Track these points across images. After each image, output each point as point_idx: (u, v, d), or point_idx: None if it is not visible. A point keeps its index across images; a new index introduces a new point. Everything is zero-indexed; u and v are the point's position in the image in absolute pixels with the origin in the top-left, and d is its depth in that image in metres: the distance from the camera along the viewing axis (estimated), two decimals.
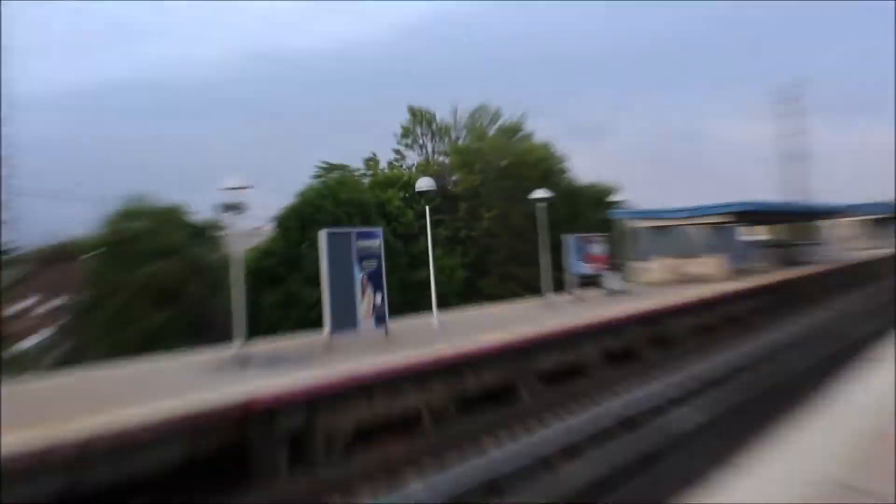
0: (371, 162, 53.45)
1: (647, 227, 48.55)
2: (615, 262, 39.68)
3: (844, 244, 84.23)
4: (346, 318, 22.63)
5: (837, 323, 33.38)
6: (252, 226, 56.77)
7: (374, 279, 23.55)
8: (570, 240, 36.82)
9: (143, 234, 39.74)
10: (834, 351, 26.47)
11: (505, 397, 21.63)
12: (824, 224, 79.29)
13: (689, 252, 47.33)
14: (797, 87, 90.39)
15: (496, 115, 57.46)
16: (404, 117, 56.85)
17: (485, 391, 21.11)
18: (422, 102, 68.16)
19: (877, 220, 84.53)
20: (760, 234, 57.85)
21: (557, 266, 39.63)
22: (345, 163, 50.41)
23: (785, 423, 15.69)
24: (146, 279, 37.56)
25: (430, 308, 27.37)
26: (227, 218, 19.83)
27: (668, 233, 47.73)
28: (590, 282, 37.78)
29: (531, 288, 46.61)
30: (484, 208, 49.74)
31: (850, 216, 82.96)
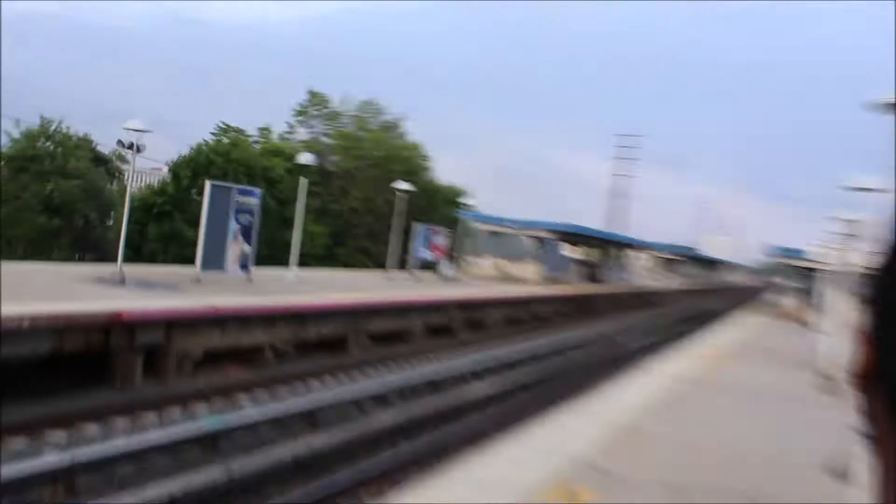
0: (265, 131, 52.43)
1: (485, 230, 49.41)
2: (453, 254, 40.31)
3: (642, 273, 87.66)
4: (216, 259, 22.40)
5: (621, 335, 34.77)
6: (151, 166, 55.15)
7: (246, 231, 23.36)
8: (419, 228, 37.26)
9: (49, 154, 38.35)
10: (613, 356, 27.67)
11: (337, 348, 21.89)
12: (629, 254, 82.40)
13: (515, 256, 48.41)
14: (635, 137, 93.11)
15: (380, 111, 57.29)
16: (303, 96, 56.02)
17: (321, 340, 21.32)
18: (318, 86, 67.26)
19: (671, 259, 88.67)
20: (577, 252, 59.54)
21: (405, 248, 40.00)
22: (242, 127, 49.27)
23: (559, 407, 16.44)
24: (45, 194, 36.32)
25: (290, 264, 27.30)
26: (126, 154, 19.42)
27: (501, 237, 48.67)
28: (428, 266, 38.30)
29: (379, 263, 46.83)
30: (354, 189, 49.67)
31: (650, 251, 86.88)
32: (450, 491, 6.71)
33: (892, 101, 8.45)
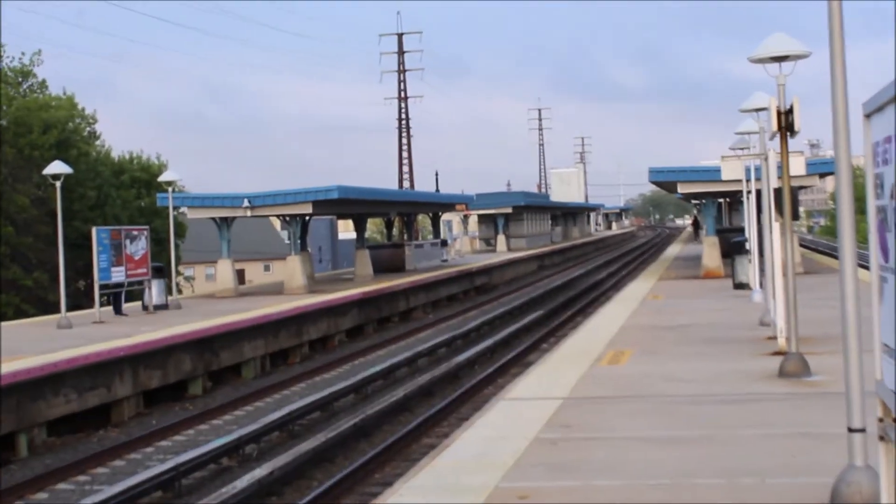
0: None
1: (206, 218, 48.17)
2: (162, 267, 39.38)
3: (465, 244, 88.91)
4: None
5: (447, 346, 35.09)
6: None
7: None
8: (100, 234, 35.72)
9: None
10: (449, 380, 27.89)
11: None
12: (444, 218, 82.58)
13: (262, 251, 47.96)
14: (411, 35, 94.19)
15: None
16: None
17: None
18: None
19: (506, 214, 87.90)
20: (363, 228, 59.73)
21: (83, 270, 38.82)
22: None
23: (387, 480, 16.51)
24: None
25: None
26: None
27: (233, 225, 47.41)
28: (127, 292, 37.25)
29: (42, 301, 45.31)
30: None
31: (472, 210, 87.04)
32: None
33: None
